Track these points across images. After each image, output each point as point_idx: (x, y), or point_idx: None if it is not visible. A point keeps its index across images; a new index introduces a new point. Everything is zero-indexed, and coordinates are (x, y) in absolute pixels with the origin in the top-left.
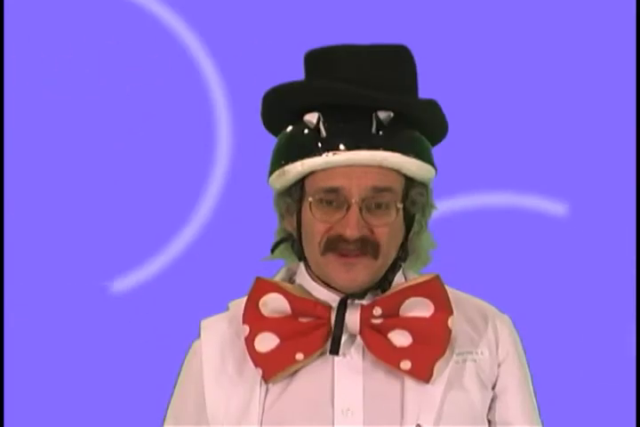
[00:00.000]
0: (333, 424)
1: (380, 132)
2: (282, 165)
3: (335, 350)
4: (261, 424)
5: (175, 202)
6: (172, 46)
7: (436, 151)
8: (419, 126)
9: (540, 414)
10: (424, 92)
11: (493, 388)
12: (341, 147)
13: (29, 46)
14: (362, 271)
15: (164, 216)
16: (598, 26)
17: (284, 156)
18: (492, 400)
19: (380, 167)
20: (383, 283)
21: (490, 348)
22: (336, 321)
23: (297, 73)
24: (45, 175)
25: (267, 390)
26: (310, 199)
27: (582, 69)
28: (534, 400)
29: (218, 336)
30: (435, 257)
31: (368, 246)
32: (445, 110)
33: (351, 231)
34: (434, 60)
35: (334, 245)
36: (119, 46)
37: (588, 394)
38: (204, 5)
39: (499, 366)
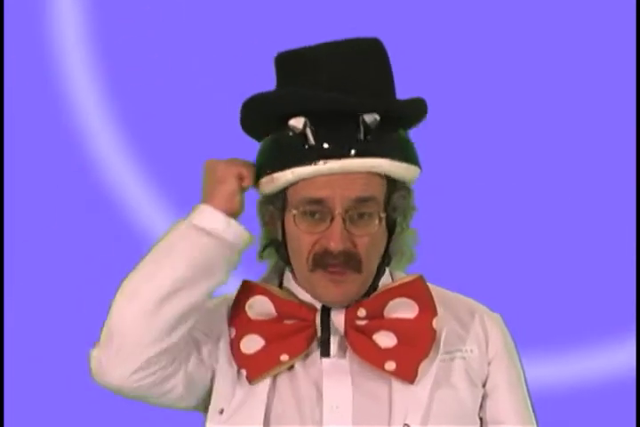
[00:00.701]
0: (322, 424)
1: (368, 137)
2: (269, 173)
3: (326, 353)
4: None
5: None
6: (173, 47)
7: (437, 149)
8: (404, 124)
9: (534, 412)
10: (428, 93)
11: (484, 386)
12: (331, 155)
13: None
14: (349, 287)
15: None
16: (598, 25)
17: (271, 163)
18: (484, 399)
19: (368, 174)
20: (369, 289)
21: (479, 346)
22: (322, 324)
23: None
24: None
25: (268, 390)
26: (294, 212)
27: (582, 69)
28: (527, 399)
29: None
30: (426, 257)
31: (351, 261)
32: (444, 109)
33: (335, 244)
34: (435, 61)
35: (321, 261)
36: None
37: (586, 392)
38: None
39: (489, 364)
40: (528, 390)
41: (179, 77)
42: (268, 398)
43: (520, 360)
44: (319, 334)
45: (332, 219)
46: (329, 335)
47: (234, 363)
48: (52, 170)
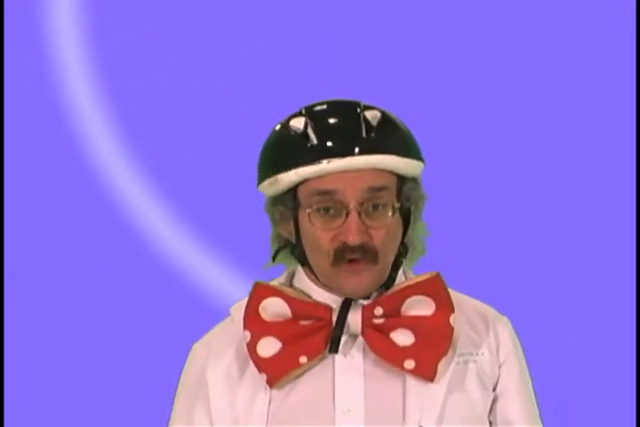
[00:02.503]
0: (334, 425)
1: (372, 135)
2: (273, 174)
3: (335, 349)
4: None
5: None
6: (173, 50)
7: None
8: None
9: (540, 413)
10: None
11: (494, 389)
12: (335, 154)
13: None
14: (366, 278)
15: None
16: (598, 25)
17: (275, 164)
18: (493, 402)
19: (374, 169)
20: (387, 282)
21: (490, 350)
22: (338, 320)
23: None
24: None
25: (270, 393)
26: (309, 210)
27: (582, 69)
28: (534, 400)
29: (223, 348)
30: (432, 257)
31: (368, 253)
32: (445, 107)
33: (353, 238)
34: (437, 60)
35: (342, 254)
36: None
37: (588, 393)
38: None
39: (499, 367)
40: (534, 390)
41: (178, 77)
42: (279, 398)
43: (526, 361)
44: (334, 329)
45: (348, 213)
46: (341, 332)
47: (234, 371)
48: (50, 171)
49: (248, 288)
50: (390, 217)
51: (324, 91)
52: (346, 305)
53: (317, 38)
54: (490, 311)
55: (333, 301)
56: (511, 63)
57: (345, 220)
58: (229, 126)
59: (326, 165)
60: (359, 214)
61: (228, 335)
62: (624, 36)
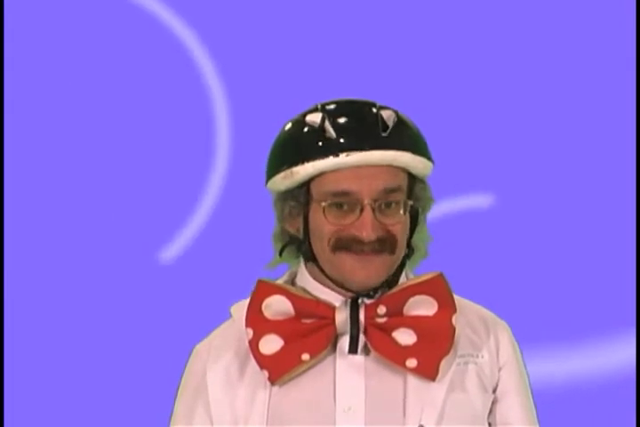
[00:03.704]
0: (335, 424)
1: (387, 133)
2: (288, 167)
3: (355, 350)
4: (266, 425)
5: (175, 204)
6: (173, 47)
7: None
8: None
9: (537, 412)
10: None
11: (494, 391)
12: (353, 148)
13: (29, 46)
14: (379, 268)
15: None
16: (598, 26)
17: (291, 157)
18: (493, 403)
19: (389, 166)
20: (390, 281)
21: (490, 352)
22: (352, 319)
23: (297, 71)
24: (45, 179)
25: (270, 391)
26: (324, 204)
27: (582, 69)
28: (532, 400)
29: (223, 348)
30: (432, 261)
31: (386, 244)
32: (447, 109)
33: (367, 233)
34: (436, 60)
35: (347, 244)
36: (118, 47)
37: (587, 391)
38: (205, 6)
39: (499, 370)
40: (531, 390)
41: (181, 80)
42: (279, 395)
43: (524, 363)
44: (349, 330)
45: (362, 209)
46: (358, 332)
47: (233, 369)
48: (52, 169)
49: (250, 289)
50: (402, 215)
51: (322, 93)
52: (355, 304)
53: (315, 39)
54: (490, 315)
55: (336, 299)
56: (510, 66)
57: (359, 215)
58: (230, 127)
59: (344, 159)
60: (373, 211)
61: (228, 336)
62: (624, 35)
